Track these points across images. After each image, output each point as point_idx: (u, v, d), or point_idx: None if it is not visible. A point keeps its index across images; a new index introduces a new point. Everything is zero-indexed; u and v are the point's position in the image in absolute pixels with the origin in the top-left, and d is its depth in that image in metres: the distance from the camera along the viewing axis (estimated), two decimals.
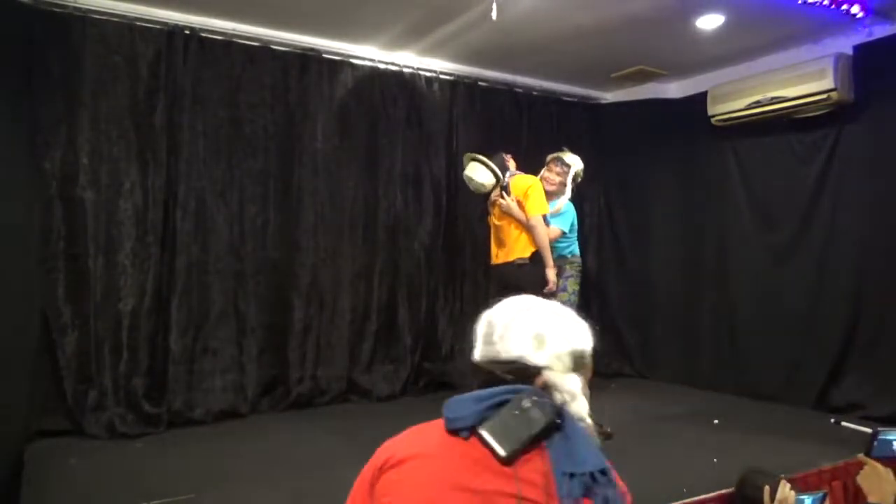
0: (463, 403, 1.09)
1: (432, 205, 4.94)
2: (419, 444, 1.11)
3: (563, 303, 4.18)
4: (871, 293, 4.11)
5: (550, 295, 4.10)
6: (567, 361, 1.15)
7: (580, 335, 1.19)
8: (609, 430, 1.21)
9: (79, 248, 3.73)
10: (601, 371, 5.46)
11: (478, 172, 4.13)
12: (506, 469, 1.02)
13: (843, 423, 3.82)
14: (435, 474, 1.05)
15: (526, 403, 1.05)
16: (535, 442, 1.04)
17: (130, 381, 3.80)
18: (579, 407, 1.12)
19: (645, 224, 5.56)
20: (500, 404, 1.07)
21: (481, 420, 1.05)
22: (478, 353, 1.20)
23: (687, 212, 5.31)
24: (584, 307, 5.55)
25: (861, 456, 1.92)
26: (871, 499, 1.90)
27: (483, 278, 5.02)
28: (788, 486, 2.08)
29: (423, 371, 4.83)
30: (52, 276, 3.66)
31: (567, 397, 1.12)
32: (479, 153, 4.35)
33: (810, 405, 4.28)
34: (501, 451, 1.02)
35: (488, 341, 1.19)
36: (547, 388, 1.12)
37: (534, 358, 1.14)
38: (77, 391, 3.67)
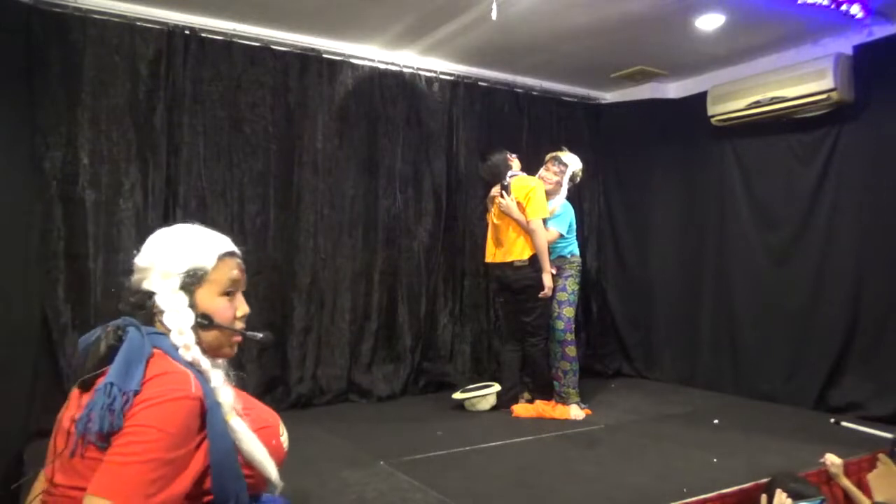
0: (83, 342, 1.29)
1: (432, 205, 4.94)
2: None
3: (563, 302, 4.22)
4: (871, 293, 4.12)
5: (551, 296, 4.11)
6: (174, 283, 1.28)
7: (195, 254, 1.30)
8: (261, 335, 1.42)
9: (79, 248, 3.73)
10: (601, 371, 5.48)
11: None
12: (84, 397, 1.19)
13: (843, 423, 3.83)
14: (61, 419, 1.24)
15: (100, 336, 1.25)
16: (101, 366, 1.19)
17: None
18: (176, 324, 1.26)
19: (645, 224, 5.56)
20: (98, 339, 1.25)
21: (81, 357, 1.25)
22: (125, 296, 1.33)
23: (687, 212, 5.31)
24: (585, 307, 5.57)
25: (882, 456, 1.93)
26: (877, 497, 1.91)
27: (483, 278, 5.03)
28: (785, 494, 2.09)
29: (423, 371, 4.83)
30: (52, 276, 3.66)
31: (167, 318, 1.26)
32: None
33: (810, 405, 4.28)
34: (75, 386, 1.23)
35: (128, 282, 1.33)
36: (158, 311, 1.27)
37: (146, 285, 1.29)
38: None
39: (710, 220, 5.11)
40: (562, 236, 4.29)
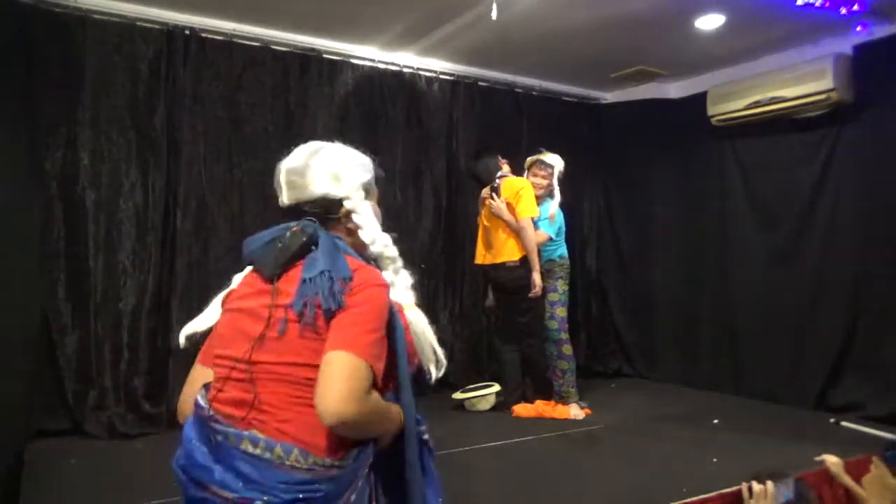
0: (251, 243, 1.37)
1: (432, 205, 4.94)
2: (239, 282, 1.41)
3: (555, 302, 4.24)
4: (871, 293, 4.11)
5: (541, 296, 4.11)
6: (360, 192, 1.45)
7: (365, 169, 1.51)
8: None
9: (79, 248, 3.73)
10: (601, 371, 5.48)
11: None
12: (269, 287, 1.30)
13: (843, 423, 3.83)
14: (231, 303, 1.37)
15: (287, 234, 1.34)
16: (293, 261, 1.31)
17: (130, 381, 3.79)
18: (371, 225, 1.44)
19: (645, 224, 5.56)
20: (275, 239, 1.34)
21: (260, 255, 1.34)
22: (286, 198, 1.43)
23: (687, 212, 5.31)
24: (585, 307, 5.57)
25: (876, 459, 1.92)
26: (872, 502, 1.90)
27: (482, 278, 5.02)
28: (769, 482, 2.09)
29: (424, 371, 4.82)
30: (52, 276, 3.66)
31: (363, 220, 1.42)
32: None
33: (810, 405, 4.28)
34: (264, 274, 1.32)
35: (293, 186, 1.42)
36: (348, 215, 1.42)
37: (336, 192, 1.41)
38: (77, 391, 3.67)
39: (710, 220, 5.11)
40: (551, 239, 4.29)
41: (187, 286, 3.96)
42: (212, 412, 1.23)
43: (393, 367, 1.30)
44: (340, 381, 1.14)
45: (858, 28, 3.87)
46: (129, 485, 2.92)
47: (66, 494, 2.84)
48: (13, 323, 3.22)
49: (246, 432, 1.18)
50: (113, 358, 3.77)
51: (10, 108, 3.35)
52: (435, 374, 1.44)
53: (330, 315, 1.22)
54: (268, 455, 1.16)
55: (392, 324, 1.31)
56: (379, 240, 1.43)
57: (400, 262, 1.46)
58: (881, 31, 4.02)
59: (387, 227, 1.52)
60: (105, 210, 3.79)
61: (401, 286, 1.43)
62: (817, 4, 3.59)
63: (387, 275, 1.40)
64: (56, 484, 2.94)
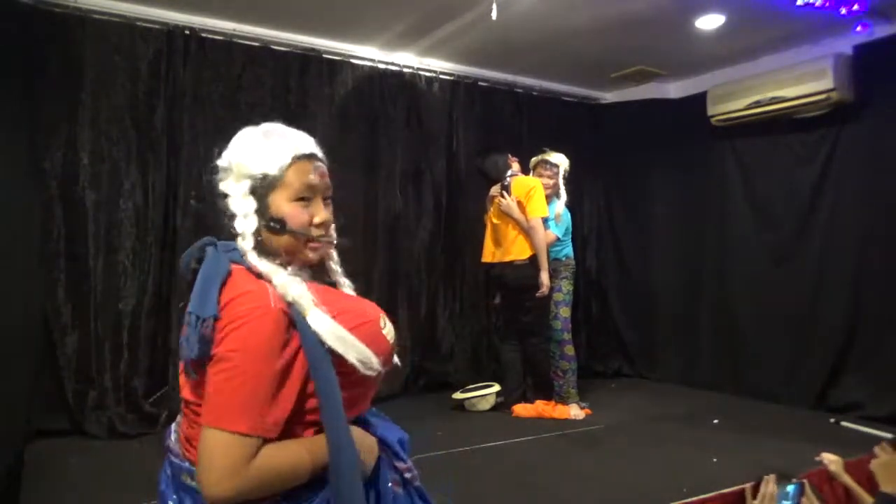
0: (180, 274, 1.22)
1: (432, 205, 4.94)
2: None
3: (560, 302, 4.23)
4: (871, 293, 4.11)
5: (547, 296, 4.12)
6: (245, 186, 1.20)
7: (256, 157, 1.20)
8: (336, 240, 1.35)
9: (79, 248, 3.73)
10: (601, 371, 5.48)
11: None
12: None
13: (843, 423, 3.83)
14: None
15: (195, 253, 1.19)
16: (192, 289, 1.13)
17: (130, 381, 3.80)
18: (238, 226, 1.19)
19: (645, 224, 5.56)
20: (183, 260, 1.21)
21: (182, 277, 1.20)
22: None
23: (687, 212, 5.31)
24: (585, 307, 5.57)
25: (885, 444, 1.91)
26: (884, 487, 1.90)
27: (483, 278, 5.03)
28: (773, 483, 2.09)
29: (423, 371, 4.83)
30: (52, 276, 3.67)
31: (236, 222, 1.19)
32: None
33: (810, 405, 4.28)
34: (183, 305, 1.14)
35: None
36: (230, 215, 1.20)
37: (223, 187, 1.21)
38: (77, 391, 3.67)
39: (709, 220, 5.11)
40: (559, 239, 4.29)
41: None
42: (167, 443, 1.24)
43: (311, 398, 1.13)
44: (210, 462, 1.04)
45: (858, 28, 3.88)
46: (129, 485, 2.91)
47: (66, 494, 2.84)
48: (13, 323, 3.22)
49: (185, 464, 1.17)
50: (113, 358, 3.77)
51: (10, 108, 3.35)
52: (377, 368, 1.20)
53: (200, 363, 1.08)
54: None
55: (301, 340, 1.11)
56: (247, 233, 1.18)
57: (295, 270, 1.20)
58: (881, 31, 4.02)
59: (344, 228, 1.38)
60: (105, 210, 3.79)
61: (294, 289, 1.14)
62: (817, 4, 3.59)
63: (279, 279, 1.14)
64: (56, 484, 2.94)
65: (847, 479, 2.59)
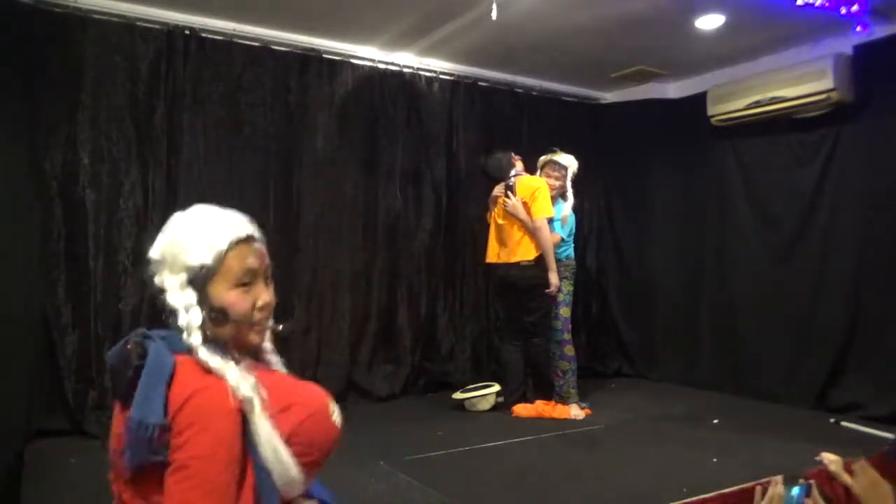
0: (111, 369, 1.18)
1: (432, 205, 4.94)
2: None
3: (560, 303, 4.24)
4: (871, 293, 4.11)
5: (550, 296, 4.12)
6: (182, 278, 1.17)
7: (189, 248, 1.17)
8: (280, 326, 1.25)
9: (79, 248, 3.73)
10: (601, 371, 5.48)
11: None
12: (121, 414, 1.10)
13: (843, 423, 3.83)
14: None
15: (126, 352, 1.13)
16: (133, 386, 1.07)
17: None
18: (181, 321, 1.15)
19: (645, 224, 5.56)
20: (120, 352, 1.15)
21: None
22: None
23: (687, 212, 5.31)
24: (585, 307, 5.57)
25: (862, 462, 1.90)
26: None
27: (483, 278, 5.03)
28: (781, 484, 2.08)
29: (423, 371, 4.83)
30: (52, 276, 3.66)
31: (178, 317, 1.16)
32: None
33: (810, 405, 4.28)
34: (115, 406, 1.13)
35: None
36: (170, 310, 1.17)
37: (157, 281, 1.19)
38: (77, 391, 3.67)
39: (710, 220, 5.11)
40: (562, 240, 4.30)
41: None
42: None
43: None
44: None
45: (858, 28, 3.88)
46: None
47: (66, 494, 2.84)
48: (13, 323, 3.22)
49: None
50: None
51: (10, 108, 3.35)
52: (298, 489, 1.18)
53: (145, 469, 1.04)
54: None
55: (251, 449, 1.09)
56: (193, 327, 1.14)
57: (243, 361, 1.18)
58: (881, 31, 4.02)
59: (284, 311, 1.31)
60: (105, 210, 3.79)
61: (245, 388, 1.10)
62: (817, 4, 3.59)
63: (231, 376, 1.11)
64: (56, 484, 2.94)
65: (847, 479, 2.59)
